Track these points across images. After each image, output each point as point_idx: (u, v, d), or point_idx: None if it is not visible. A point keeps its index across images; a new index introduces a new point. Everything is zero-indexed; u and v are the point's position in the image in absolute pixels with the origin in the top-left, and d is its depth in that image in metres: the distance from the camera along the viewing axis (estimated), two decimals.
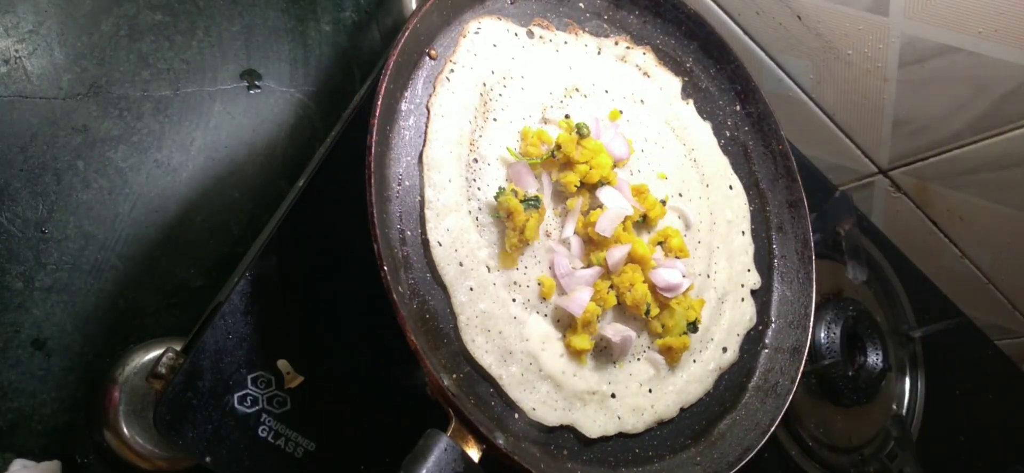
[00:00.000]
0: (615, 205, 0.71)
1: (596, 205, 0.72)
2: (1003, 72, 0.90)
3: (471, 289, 0.64)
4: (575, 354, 0.68)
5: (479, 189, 0.68)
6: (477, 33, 0.72)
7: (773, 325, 0.84)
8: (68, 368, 0.70)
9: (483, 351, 0.64)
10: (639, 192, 0.75)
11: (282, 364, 0.64)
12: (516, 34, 0.75)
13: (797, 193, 0.88)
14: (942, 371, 1.13)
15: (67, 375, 0.70)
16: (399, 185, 0.64)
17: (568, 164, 0.71)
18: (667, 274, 0.72)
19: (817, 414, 0.97)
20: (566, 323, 0.68)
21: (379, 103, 0.60)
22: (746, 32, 1.08)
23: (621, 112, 0.79)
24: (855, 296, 1.05)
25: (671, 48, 0.88)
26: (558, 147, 0.70)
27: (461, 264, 0.64)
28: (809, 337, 0.81)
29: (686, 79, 0.87)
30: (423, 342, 0.60)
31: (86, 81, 0.75)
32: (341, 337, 0.67)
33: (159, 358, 0.61)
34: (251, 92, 0.84)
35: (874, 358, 1.03)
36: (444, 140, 0.66)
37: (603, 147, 0.72)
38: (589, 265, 0.70)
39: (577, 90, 0.77)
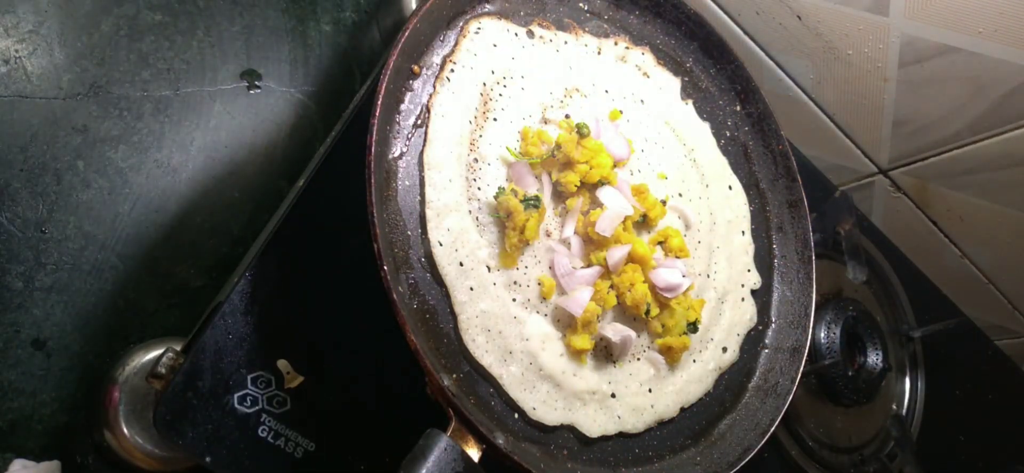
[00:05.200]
0: (615, 205, 0.71)
1: (596, 205, 0.72)
2: (1003, 72, 0.90)
3: (471, 289, 0.64)
4: (575, 354, 0.68)
5: (479, 189, 0.68)
6: (477, 33, 0.72)
7: (773, 325, 0.84)
8: (68, 368, 0.70)
9: (483, 351, 0.64)
10: (639, 192, 0.75)
11: (282, 364, 0.64)
12: (516, 34, 0.75)
13: (797, 193, 0.88)
14: (942, 371, 1.13)
15: (67, 375, 0.70)
16: (399, 185, 0.64)
17: (568, 164, 0.71)
18: (667, 274, 0.72)
19: (817, 414, 0.97)
20: (566, 323, 0.68)
21: (379, 103, 0.60)
22: (746, 32, 1.08)
23: (621, 112, 0.79)
24: (855, 296, 1.05)
25: (671, 48, 0.88)
26: (558, 147, 0.70)
27: (461, 264, 0.64)
28: (809, 337, 0.81)
29: (686, 79, 0.87)
30: (423, 342, 0.60)
31: (86, 81, 0.75)
32: (341, 337, 0.67)
33: (159, 358, 0.61)
34: (251, 92, 0.84)
35: (874, 358, 1.03)
36: (444, 140, 0.66)
37: (603, 147, 0.72)
38: (589, 265, 0.70)
39: (577, 90, 0.77)
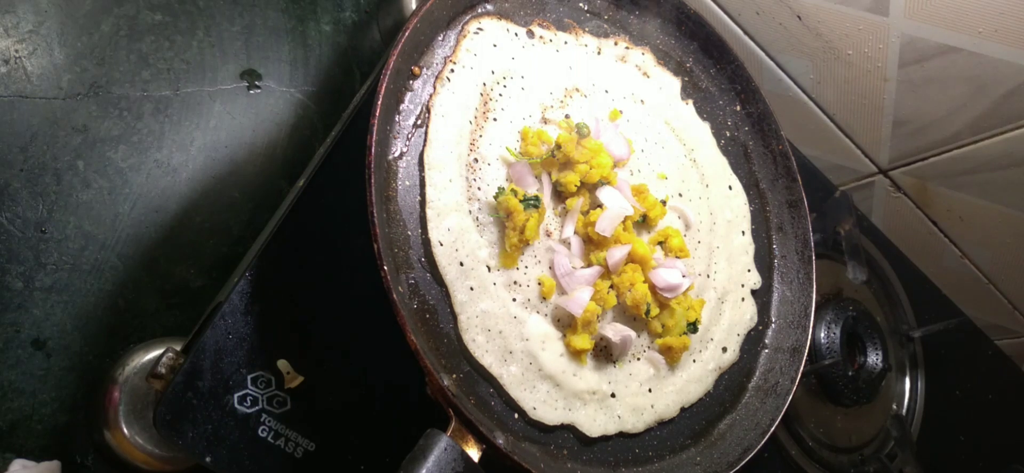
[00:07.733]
0: (615, 205, 0.71)
1: (596, 205, 0.72)
2: (1003, 72, 0.90)
3: (471, 289, 0.64)
4: (575, 354, 0.68)
5: (479, 189, 0.68)
6: (477, 33, 0.72)
7: (773, 325, 0.84)
8: (68, 368, 0.70)
9: (483, 351, 0.64)
10: (639, 192, 0.75)
11: (282, 364, 0.64)
12: (516, 34, 0.75)
13: (797, 193, 0.88)
14: (942, 371, 1.13)
15: (67, 375, 0.70)
16: (399, 185, 0.64)
17: (568, 164, 0.71)
18: (667, 274, 0.72)
19: (817, 414, 0.97)
20: (566, 323, 0.68)
21: (379, 103, 0.60)
22: (746, 32, 1.08)
23: (621, 112, 0.79)
24: (855, 296, 1.05)
25: (671, 48, 0.88)
26: (558, 147, 0.70)
27: (461, 264, 0.64)
28: (809, 337, 0.81)
29: (686, 79, 0.87)
30: (423, 342, 0.60)
31: (86, 81, 0.75)
32: (341, 337, 0.67)
33: (159, 358, 0.61)
34: (251, 92, 0.84)
35: (874, 358, 1.03)
36: (444, 140, 0.66)
37: (603, 147, 0.72)
38: (589, 265, 0.70)
39: (577, 90, 0.77)
